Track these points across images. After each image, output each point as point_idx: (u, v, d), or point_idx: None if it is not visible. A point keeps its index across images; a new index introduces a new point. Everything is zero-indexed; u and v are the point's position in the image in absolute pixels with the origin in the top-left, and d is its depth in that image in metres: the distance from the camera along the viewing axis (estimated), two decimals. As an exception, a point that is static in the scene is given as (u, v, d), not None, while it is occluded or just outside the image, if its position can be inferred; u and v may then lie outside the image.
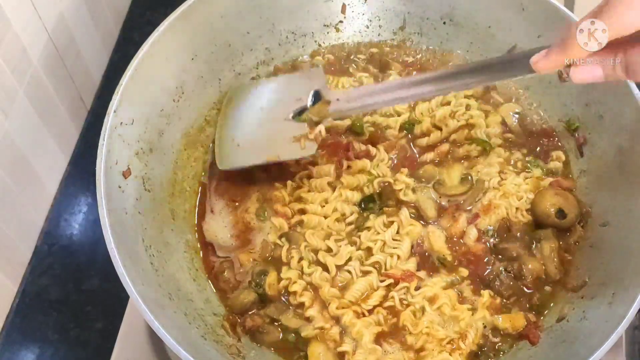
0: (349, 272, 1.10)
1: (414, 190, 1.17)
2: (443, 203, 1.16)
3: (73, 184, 1.38)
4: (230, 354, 1.02)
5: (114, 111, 1.04)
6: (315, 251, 1.12)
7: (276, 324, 1.07)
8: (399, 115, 1.26)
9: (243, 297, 1.08)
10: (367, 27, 1.36)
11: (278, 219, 1.15)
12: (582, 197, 1.17)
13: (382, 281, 1.09)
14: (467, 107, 1.26)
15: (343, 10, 1.34)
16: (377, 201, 1.16)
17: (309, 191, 1.18)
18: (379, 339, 1.05)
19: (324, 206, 1.15)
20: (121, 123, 1.05)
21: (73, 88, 1.39)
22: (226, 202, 1.19)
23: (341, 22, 1.35)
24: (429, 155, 1.21)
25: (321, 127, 1.15)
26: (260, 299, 1.09)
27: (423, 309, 1.07)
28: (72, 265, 1.30)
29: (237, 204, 1.18)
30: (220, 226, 1.16)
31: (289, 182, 1.19)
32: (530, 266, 1.09)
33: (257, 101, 1.22)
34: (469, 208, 1.16)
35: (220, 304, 1.10)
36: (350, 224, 1.14)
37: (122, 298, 1.13)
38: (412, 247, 1.12)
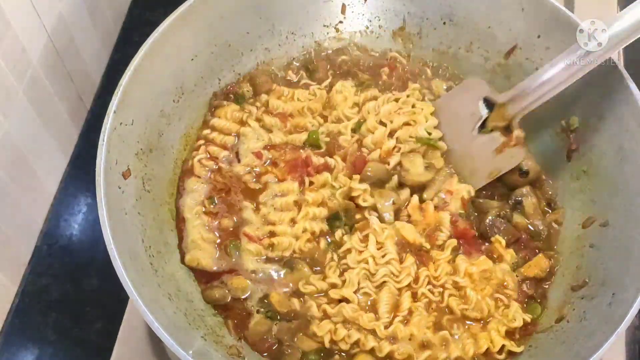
0: (367, 293, 1.08)
1: (371, 195, 1.16)
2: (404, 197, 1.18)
3: (73, 184, 1.38)
4: (230, 354, 1.02)
5: (114, 111, 1.04)
6: (322, 292, 1.09)
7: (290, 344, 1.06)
8: (348, 119, 1.24)
9: (259, 327, 1.06)
10: (367, 28, 1.36)
11: (252, 244, 1.11)
12: (582, 196, 1.17)
13: (398, 282, 1.09)
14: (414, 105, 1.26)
15: (343, 11, 1.34)
16: (342, 218, 1.15)
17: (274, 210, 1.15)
18: (437, 328, 1.07)
19: (292, 226, 1.13)
20: (121, 123, 1.05)
21: (73, 88, 1.39)
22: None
23: (341, 22, 1.35)
24: (375, 154, 1.20)
25: (518, 132, 1.15)
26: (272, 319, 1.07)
27: (457, 285, 1.09)
28: (71, 266, 1.30)
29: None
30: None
31: (260, 210, 1.15)
32: (516, 221, 1.16)
33: None
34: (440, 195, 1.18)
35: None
36: (325, 245, 1.13)
37: (122, 298, 1.13)
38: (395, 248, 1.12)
